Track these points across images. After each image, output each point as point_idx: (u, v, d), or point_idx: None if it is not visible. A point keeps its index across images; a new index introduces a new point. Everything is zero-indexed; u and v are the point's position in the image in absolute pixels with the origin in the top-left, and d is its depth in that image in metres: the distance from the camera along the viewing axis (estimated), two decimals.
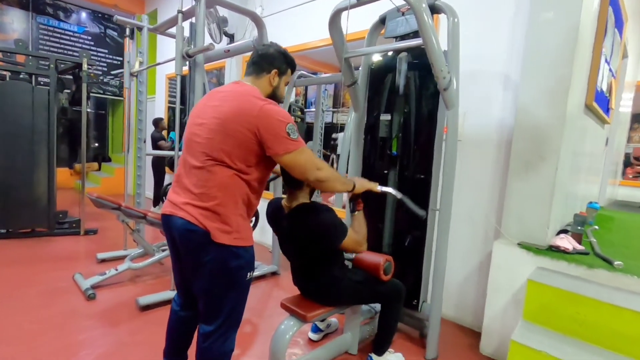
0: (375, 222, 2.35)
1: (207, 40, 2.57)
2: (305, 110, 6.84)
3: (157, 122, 5.67)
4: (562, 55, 1.94)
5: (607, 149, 3.93)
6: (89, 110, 7.67)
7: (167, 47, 6.12)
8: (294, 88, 3.76)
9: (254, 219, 3.60)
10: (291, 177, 1.61)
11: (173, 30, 2.67)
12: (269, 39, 2.39)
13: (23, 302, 2.50)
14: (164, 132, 5.83)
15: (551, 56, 1.97)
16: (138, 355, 1.96)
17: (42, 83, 4.60)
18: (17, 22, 6.77)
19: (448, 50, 1.91)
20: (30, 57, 4.05)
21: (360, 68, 2.39)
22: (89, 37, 7.56)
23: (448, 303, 2.56)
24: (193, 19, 2.71)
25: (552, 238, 2.04)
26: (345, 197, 3.48)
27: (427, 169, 2.11)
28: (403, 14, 2.11)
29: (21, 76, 4.18)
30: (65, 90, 4.92)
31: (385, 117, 2.29)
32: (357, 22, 2.35)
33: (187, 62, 2.62)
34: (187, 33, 3.08)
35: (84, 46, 7.40)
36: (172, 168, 4.78)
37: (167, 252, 2.70)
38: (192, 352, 1.49)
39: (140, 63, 3.34)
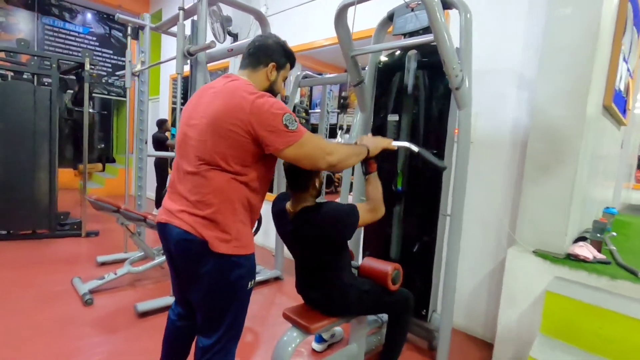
0: (382, 227, 2.25)
1: (210, 39, 2.50)
2: (310, 111, 6.77)
3: (161, 123, 5.62)
4: (582, 53, 1.83)
5: (622, 152, 3.80)
6: (92, 111, 7.68)
7: (171, 48, 6.07)
8: (299, 89, 3.68)
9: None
10: (295, 179, 1.52)
11: (175, 29, 2.60)
12: None
13: (19, 306, 2.43)
14: (168, 134, 5.79)
15: (570, 53, 1.87)
16: None
17: (46, 83, 4.57)
18: (23, 23, 6.78)
19: (460, 47, 1.81)
20: (32, 57, 4.02)
21: (367, 67, 2.30)
22: (94, 38, 7.56)
23: (458, 312, 2.44)
24: (195, 17, 2.63)
25: (570, 246, 1.93)
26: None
27: (437, 172, 2.01)
28: (412, 9, 2.02)
29: (24, 76, 4.15)
30: (69, 91, 4.89)
31: (393, 117, 2.20)
32: (364, 20, 2.27)
33: (189, 61, 2.54)
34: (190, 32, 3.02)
35: (89, 47, 7.40)
36: None
37: None
38: None
39: (142, 63, 3.28)
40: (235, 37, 4.21)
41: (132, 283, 2.91)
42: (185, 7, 2.41)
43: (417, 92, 2.10)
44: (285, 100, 3.44)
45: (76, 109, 4.64)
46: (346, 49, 2.06)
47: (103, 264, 3.28)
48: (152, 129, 6.30)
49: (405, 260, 2.11)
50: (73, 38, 7.30)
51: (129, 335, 2.18)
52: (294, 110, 4.90)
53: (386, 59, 2.25)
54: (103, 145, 8.35)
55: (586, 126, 1.84)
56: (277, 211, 1.65)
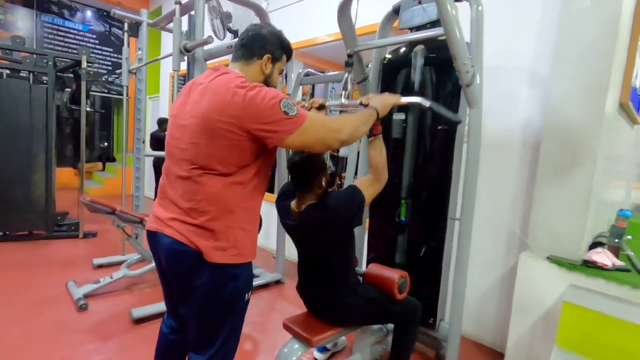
0: (386, 230, 2.16)
1: (209, 35, 2.40)
2: None
3: (161, 122, 5.55)
4: (600, 48, 1.72)
5: (633, 151, 3.68)
6: (89, 109, 7.59)
7: (170, 45, 5.99)
8: (300, 87, 3.58)
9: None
10: (299, 178, 1.44)
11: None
12: None
13: (10, 311, 2.35)
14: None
15: (587, 49, 1.76)
16: None
17: (45, 82, 4.49)
18: (22, 21, 6.71)
19: (471, 42, 1.71)
20: (29, 54, 3.93)
21: (371, 64, 2.20)
22: (94, 36, 7.48)
23: (465, 319, 2.33)
24: (193, 12, 2.54)
25: (585, 251, 1.83)
26: None
27: (445, 174, 1.92)
28: (420, 2, 1.92)
29: (22, 74, 4.07)
30: (67, 89, 4.81)
31: (398, 116, 2.10)
32: (368, 15, 2.17)
33: (186, 58, 2.45)
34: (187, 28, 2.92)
35: (88, 45, 7.31)
36: None
37: None
38: None
39: (140, 60, 3.19)
40: (235, 33, 4.11)
41: (128, 287, 2.82)
42: (183, 1, 2.32)
43: (424, 90, 2.01)
44: None
45: (73, 107, 4.56)
46: (350, 44, 1.96)
47: (100, 266, 3.20)
48: (152, 127, 6.24)
49: (411, 266, 2.02)
50: (72, 36, 7.22)
51: (124, 343, 2.09)
52: None
53: (390, 55, 2.15)
54: (106, 144, 8.29)
55: (604, 125, 1.74)
56: (281, 207, 1.57)
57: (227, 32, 4.04)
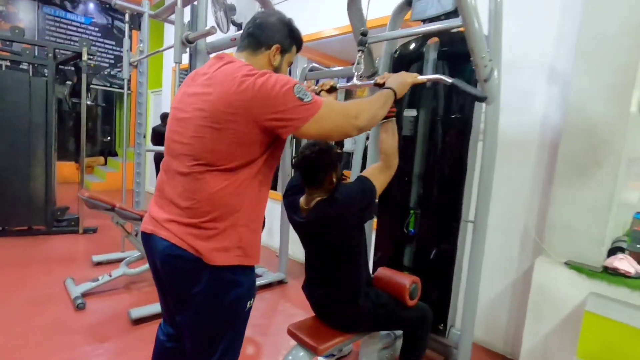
0: (395, 231, 2.07)
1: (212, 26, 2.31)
2: None
3: (164, 117, 5.48)
4: (626, 42, 1.62)
5: None
6: (91, 103, 7.53)
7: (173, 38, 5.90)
8: (305, 82, 3.48)
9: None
10: (310, 175, 1.36)
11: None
12: None
13: (7, 311, 2.28)
14: None
15: (612, 43, 1.66)
16: None
17: (45, 74, 4.42)
18: (23, 12, 6.62)
19: (489, 35, 1.61)
20: (28, 46, 3.85)
21: (381, 57, 2.11)
22: (96, 29, 7.38)
23: (477, 324, 2.24)
24: (196, 3, 2.45)
25: (605, 257, 1.74)
26: None
27: (459, 173, 1.83)
28: None
29: (22, 66, 4.00)
30: (67, 82, 4.73)
31: (409, 112, 2.00)
32: (379, 7, 2.07)
33: (188, 50, 2.36)
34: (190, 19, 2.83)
35: (90, 38, 7.22)
36: None
37: None
38: None
39: (141, 52, 3.10)
40: (239, 26, 4.00)
41: (127, 285, 2.75)
42: None
43: (437, 85, 1.91)
44: None
45: (74, 100, 4.49)
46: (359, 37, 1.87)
47: (99, 263, 3.13)
48: (154, 122, 6.16)
49: (420, 269, 1.93)
50: (75, 28, 7.13)
51: (121, 344, 2.03)
52: None
53: (401, 49, 2.06)
54: (109, 138, 8.23)
55: (630, 124, 1.64)
56: (289, 203, 1.49)
57: (231, 25, 3.95)
